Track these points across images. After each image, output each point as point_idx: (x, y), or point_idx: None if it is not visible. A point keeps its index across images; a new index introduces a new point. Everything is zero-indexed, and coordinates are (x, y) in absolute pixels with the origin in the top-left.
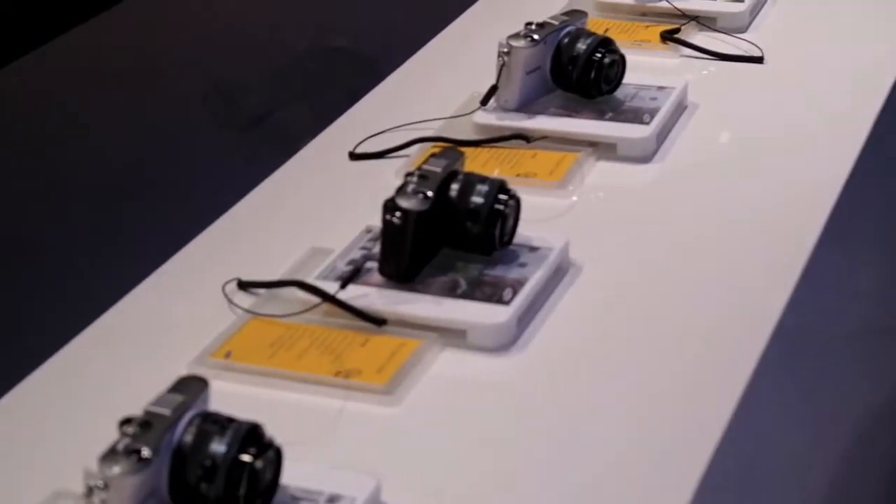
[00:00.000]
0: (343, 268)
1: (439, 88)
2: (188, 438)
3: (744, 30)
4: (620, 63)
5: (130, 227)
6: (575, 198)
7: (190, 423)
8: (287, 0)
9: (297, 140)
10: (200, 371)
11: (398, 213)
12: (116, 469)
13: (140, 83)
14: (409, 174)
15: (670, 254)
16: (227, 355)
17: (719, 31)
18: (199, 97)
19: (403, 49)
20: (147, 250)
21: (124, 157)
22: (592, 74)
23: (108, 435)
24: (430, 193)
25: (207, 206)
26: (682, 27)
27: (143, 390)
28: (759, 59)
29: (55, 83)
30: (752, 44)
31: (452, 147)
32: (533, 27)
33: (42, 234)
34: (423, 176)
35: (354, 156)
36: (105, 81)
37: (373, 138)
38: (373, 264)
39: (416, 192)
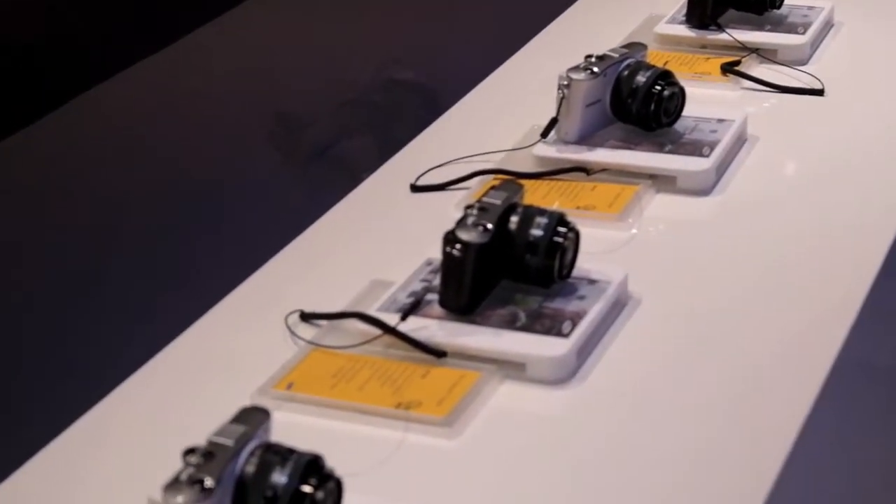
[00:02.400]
0: (404, 300)
1: (500, 121)
2: (250, 469)
3: (805, 62)
4: (680, 95)
5: (194, 259)
6: (634, 230)
7: (252, 453)
8: (352, 33)
9: (361, 172)
10: (263, 402)
11: (458, 246)
12: (180, 499)
13: (206, 116)
14: (469, 207)
15: (729, 287)
16: (289, 386)
17: (780, 64)
18: (265, 130)
19: (468, 81)
20: (211, 282)
21: (189, 190)
22: (652, 107)
23: (172, 464)
24: (489, 226)
25: (271, 239)
26: (743, 59)
27: (206, 421)
28: (819, 92)
29: (121, 114)
30: (813, 76)
31: (512, 179)
32: (593, 60)
33: (108, 265)
34: (483, 208)
35: (416, 188)
36: (171, 114)
37: (434, 170)
38: (433, 296)
39: (476, 225)
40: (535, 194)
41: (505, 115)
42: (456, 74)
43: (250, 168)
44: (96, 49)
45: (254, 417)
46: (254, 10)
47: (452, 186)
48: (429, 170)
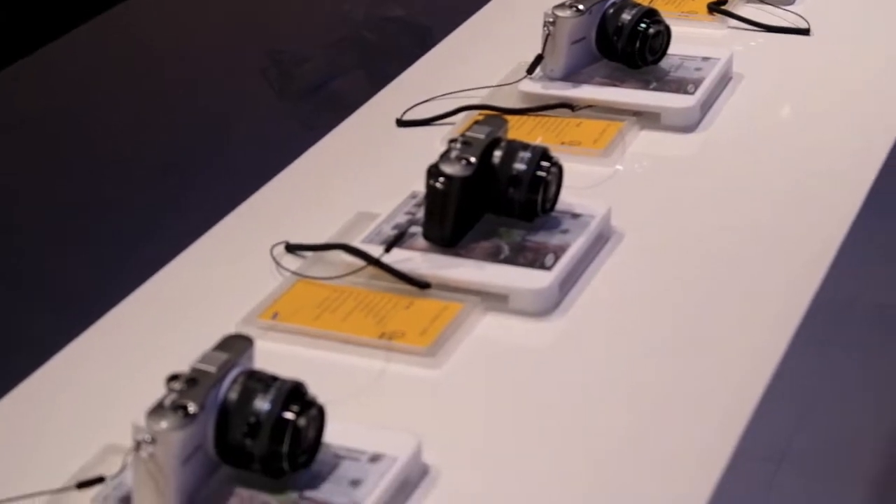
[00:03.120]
0: (388, 232)
1: (486, 57)
2: (233, 395)
3: (791, 2)
4: (665, 34)
5: (186, 192)
6: (618, 166)
7: (235, 380)
8: None
9: (353, 108)
10: (248, 331)
11: (442, 179)
12: (163, 424)
13: (199, 54)
14: (452, 140)
15: (711, 223)
16: (274, 316)
17: (766, 3)
18: (258, 68)
19: (457, 18)
20: (202, 214)
21: (182, 125)
22: (637, 45)
23: (157, 391)
24: (473, 159)
25: (263, 173)
26: None
27: (191, 349)
28: (805, 31)
29: (119, 49)
30: (799, 16)
31: (497, 114)
32: None
33: (100, 197)
34: (467, 142)
35: (402, 122)
36: (166, 52)
37: (420, 106)
38: (417, 229)
39: (459, 159)
40: (521, 130)
41: (491, 52)
42: (446, 11)
43: (243, 104)
44: None
45: (237, 345)
46: None
47: (438, 121)
48: (414, 105)
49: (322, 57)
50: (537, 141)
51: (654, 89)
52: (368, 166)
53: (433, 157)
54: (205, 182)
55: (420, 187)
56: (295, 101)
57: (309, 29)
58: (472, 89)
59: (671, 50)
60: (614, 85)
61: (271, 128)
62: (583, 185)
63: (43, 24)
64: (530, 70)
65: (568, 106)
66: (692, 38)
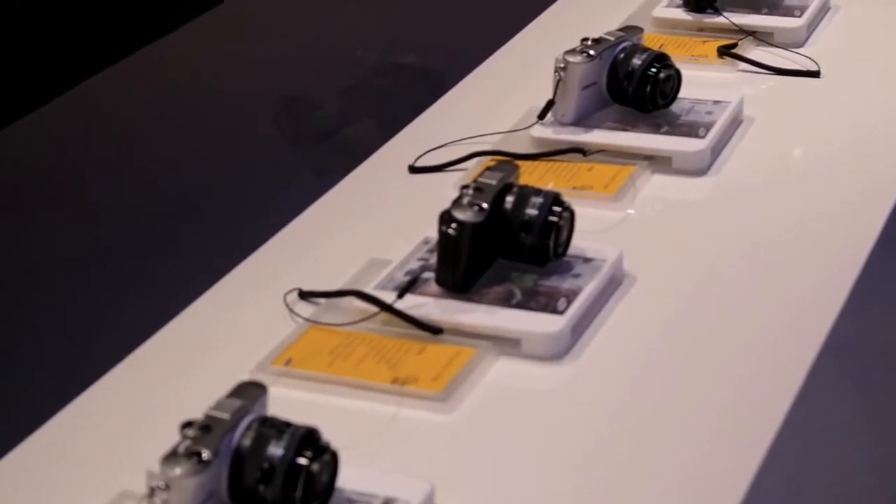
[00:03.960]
0: (401, 278)
1: (498, 103)
2: (247, 442)
3: (801, 44)
4: (676, 78)
5: (199, 239)
6: (630, 210)
7: (248, 426)
8: (356, 18)
9: (365, 154)
10: (261, 378)
11: (454, 225)
12: (178, 470)
13: (212, 100)
14: (464, 187)
15: (724, 267)
16: (288, 363)
17: (776, 46)
18: (271, 115)
19: (469, 64)
20: (215, 261)
21: (197, 172)
22: (648, 89)
23: (171, 438)
24: (485, 205)
25: (276, 220)
26: (739, 42)
27: (205, 396)
28: (815, 74)
29: (129, 98)
30: (809, 58)
31: (508, 160)
32: (589, 43)
33: (116, 243)
34: (479, 188)
35: (414, 169)
36: (179, 99)
37: (433, 152)
38: (430, 275)
39: (471, 205)
40: (532, 175)
41: (503, 98)
42: (458, 57)
43: (256, 152)
44: (103, 35)
45: (251, 392)
46: None
47: (450, 167)
48: (427, 151)
49: (334, 103)
50: (549, 186)
51: (665, 133)
52: (381, 213)
53: (445, 203)
54: (218, 229)
55: (432, 233)
56: (307, 147)
57: (321, 75)
58: (484, 135)
59: (682, 94)
60: (625, 129)
61: (283, 175)
62: (595, 230)
63: (48, 76)
64: (542, 115)
65: (579, 151)
66: (703, 82)
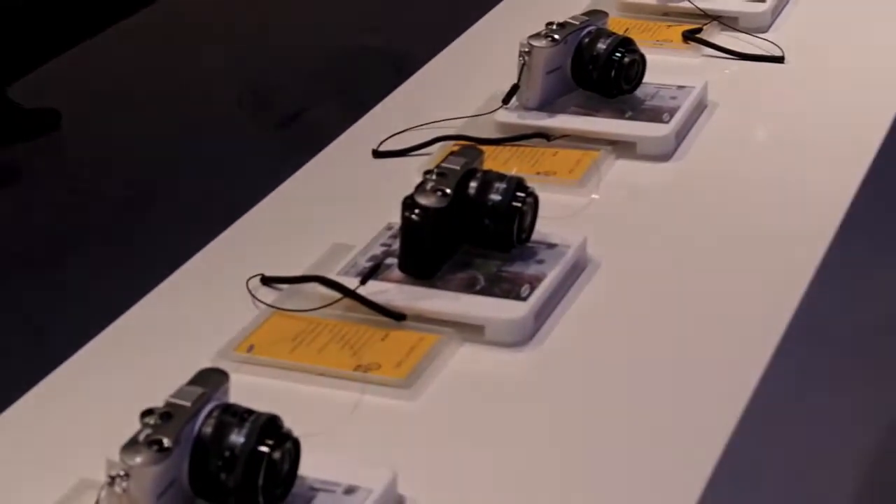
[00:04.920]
0: (364, 264)
1: (462, 87)
2: (208, 429)
3: (765, 30)
4: (640, 62)
5: (161, 224)
6: (594, 196)
7: (210, 414)
8: (319, 2)
9: (329, 137)
10: (223, 364)
11: (417, 211)
12: (138, 459)
13: (175, 83)
14: (427, 172)
15: (687, 251)
16: (250, 349)
17: (741, 31)
18: (235, 98)
19: (433, 48)
20: (177, 246)
21: (158, 154)
22: (612, 74)
23: (132, 426)
24: (448, 191)
25: (240, 205)
26: (704, 27)
27: (167, 383)
28: (779, 59)
29: (97, 77)
30: (774, 44)
31: (472, 145)
32: (554, 27)
33: (72, 231)
34: (442, 174)
35: (378, 153)
36: (143, 80)
37: (396, 136)
38: (393, 261)
39: (434, 190)
40: (497, 160)
41: (467, 82)
42: (423, 41)
43: (220, 135)
44: (77, 12)
45: (212, 379)
46: None
47: (414, 152)
48: (391, 136)
49: (298, 86)
50: (513, 171)
51: (630, 118)
52: (344, 198)
53: (409, 188)
54: (179, 213)
55: (396, 218)
56: (270, 130)
57: (284, 58)
58: (448, 119)
59: (646, 79)
60: (590, 114)
61: (247, 158)
62: (559, 215)
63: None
64: (506, 100)
65: (543, 136)
66: (667, 67)
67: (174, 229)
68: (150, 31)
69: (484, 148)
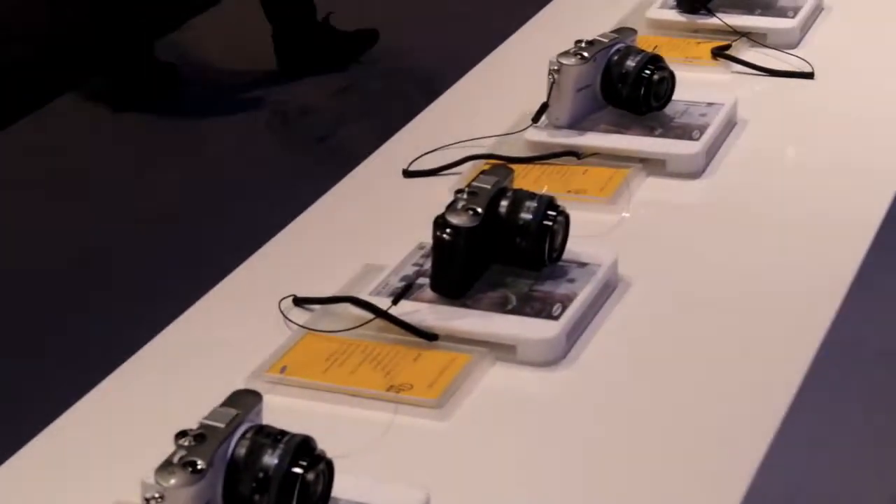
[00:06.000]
0: (396, 284)
1: (492, 106)
2: (241, 451)
3: (794, 46)
4: (670, 80)
5: (194, 245)
6: (625, 213)
7: (243, 436)
8: (351, 19)
9: (359, 158)
10: (257, 386)
11: (448, 230)
12: (172, 480)
13: (204, 106)
14: (459, 191)
15: (719, 269)
16: (283, 370)
17: (770, 48)
18: (263, 119)
19: (462, 66)
20: (210, 268)
21: (189, 177)
22: (642, 91)
23: (167, 448)
24: (479, 210)
25: (271, 226)
26: (733, 43)
27: (201, 405)
28: (809, 75)
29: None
30: (803, 59)
31: (502, 164)
32: (583, 45)
33: (110, 249)
34: (473, 193)
35: (408, 173)
36: (171, 103)
37: (427, 156)
38: (425, 280)
39: (465, 209)
40: (527, 178)
41: (497, 100)
42: (452, 60)
43: (250, 157)
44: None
45: (245, 400)
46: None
47: (444, 172)
48: (421, 155)
49: (326, 107)
50: (543, 190)
51: (660, 135)
52: (375, 218)
53: (440, 208)
54: (212, 235)
55: (427, 238)
56: (301, 151)
57: (312, 78)
58: (478, 138)
59: (676, 96)
60: (619, 132)
61: (277, 179)
62: (590, 234)
63: (46, 78)
64: (536, 118)
65: (574, 154)
66: (697, 84)
67: (206, 251)
68: (175, 50)
69: (514, 166)
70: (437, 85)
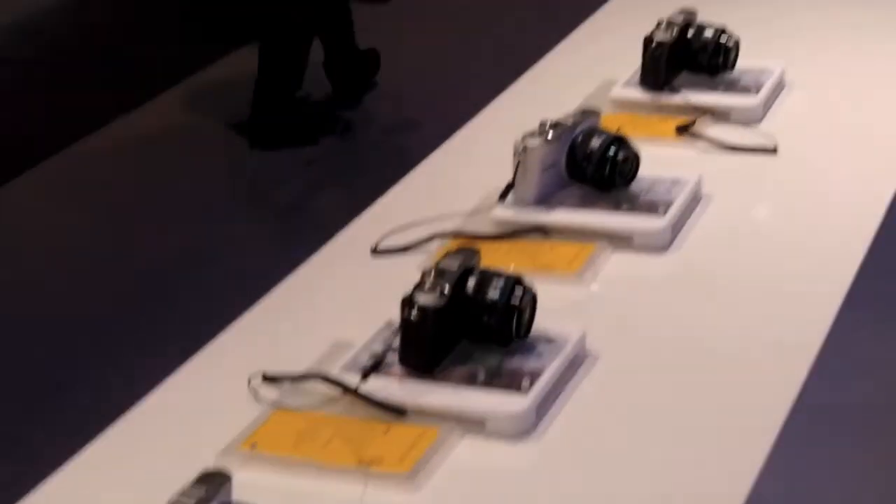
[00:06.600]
0: (365, 360)
1: (460, 182)
2: None
3: (758, 122)
4: (634, 159)
5: (163, 323)
6: (593, 288)
7: None
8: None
9: (329, 230)
10: (227, 461)
11: (416, 310)
12: None
13: (176, 178)
14: (426, 271)
15: (685, 343)
16: (253, 446)
17: (734, 124)
18: (236, 191)
19: (433, 140)
20: (180, 345)
21: (162, 251)
22: (607, 170)
23: None
24: (446, 290)
25: (241, 301)
26: (697, 120)
27: (170, 482)
28: (772, 151)
29: (95, 173)
30: (767, 135)
31: (469, 243)
32: (547, 126)
33: (76, 325)
34: (440, 272)
35: (377, 251)
36: (147, 178)
37: (396, 233)
38: (394, 357)
39: (433, 289)
40: (495, 255)
41: (465, 177)
42: (423, 136)
43: (222, 229)
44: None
45: (215, 480)
46: (216, 73)
47: (412, 249)
48: (389, 233)
49: (297, 177)
50: (510, 267)
51: (626, 211)
52: (345, 295)
53: (408, 285)
54: (182, 312)
55: (396, 315)
56: (272, 223)
57: (282, 151)
58: (447, 215)
59: (642, 173)
60: (586, 208)
61: (248, 253)
62: (557, 309)
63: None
64: (502, 196)
65: (541, 230)
66: (662, 160)
67: (175, 328)
68: (148, 127)
69: (483, 244)
70: (407, 161)
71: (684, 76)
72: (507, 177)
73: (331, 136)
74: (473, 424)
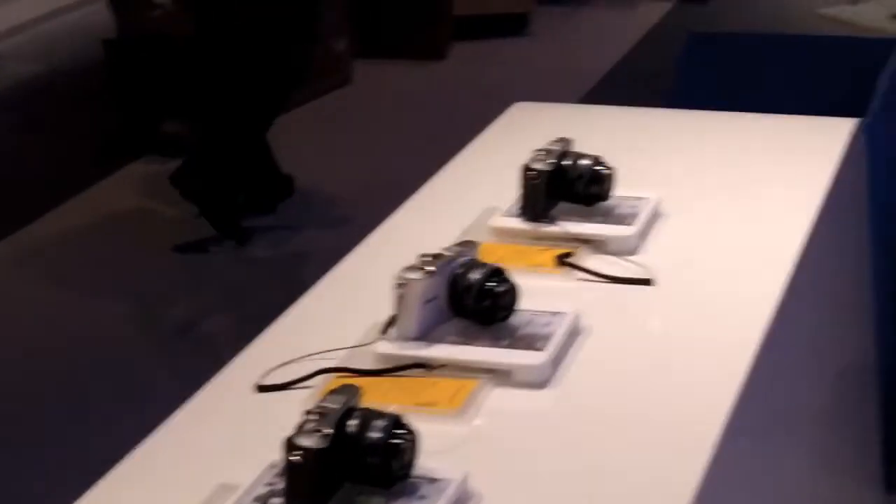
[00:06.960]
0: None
1: (344, 316)
2: None
3: (633, 252)
4: (512, 291)
5: (40, 465)
6: (475, 423)
7: None
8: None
9: (218, 350)
10: None
11: (298, 452)
12: None
13: (65, 302)
14: (308, 412)
15: (568, 480)
16: None
17: (610, 255)
18: (125, 310)
19: (322, 263)
20: (61, 489)
21: (49, 375)
22: (487, 303)
23: None
24: (328, 431)
25: (124, 439)
26: (576, 250)
27: None
28: (647, 282)
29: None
30: (642, 266)
31: (350, 382)
32: (427, 258)
33: None
34: (322, 413)
35: (261, 388)
36: (44, 284)
37: (280, 368)
38: (278, 500)
39: (314, 431)
40: (378, 391)
41: (349, 311)
42: (310, 257)
43: (111, 352)
44: None
45: None
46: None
47: (296, 386)
48: (273, 369)
49: (189, 298)
50: (393, 404)
51: (506, 346)
52: (229, 435)
53: (293, 422)
54: (61, 454)
55: (280, 455)
56: (163, 345)
57: (172, 270)
58: (330, 350)
59: (522, 304)
60: (467, 343)
61: (137, 377)
62: (440, 447)
63: None
64: (384, 331)
65: (422, 366)
66: (541, 292)
67: (59, 462)
68: (41, 240)
69: (364, 380)
70: (296, 288)
71: (562, 206)
72: (389, 310)
73: (229, 244)
74: None
